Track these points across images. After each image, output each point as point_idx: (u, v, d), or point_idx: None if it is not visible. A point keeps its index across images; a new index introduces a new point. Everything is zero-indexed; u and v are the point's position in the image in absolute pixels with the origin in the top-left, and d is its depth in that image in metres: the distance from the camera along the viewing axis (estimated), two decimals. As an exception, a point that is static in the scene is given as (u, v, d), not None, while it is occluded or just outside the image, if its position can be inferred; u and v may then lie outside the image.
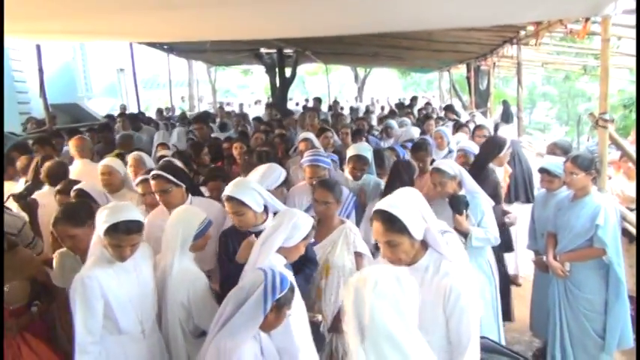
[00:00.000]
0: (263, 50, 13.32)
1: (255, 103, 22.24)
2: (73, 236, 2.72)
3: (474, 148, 4.85)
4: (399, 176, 3.93)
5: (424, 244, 2.19)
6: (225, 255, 2.95)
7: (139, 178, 3.72)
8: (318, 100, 13.29)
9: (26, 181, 4.41)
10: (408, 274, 1.72)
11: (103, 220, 2.45)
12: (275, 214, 2.92)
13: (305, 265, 2.92)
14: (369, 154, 4.29)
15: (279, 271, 2.27)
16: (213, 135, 7.54)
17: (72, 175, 4.28)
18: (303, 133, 6.20)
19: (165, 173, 3.30)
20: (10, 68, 11.77)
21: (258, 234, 2.77)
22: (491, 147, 4.52)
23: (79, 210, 2.80)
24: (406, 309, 1.63)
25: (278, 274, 2.21)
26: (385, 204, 2.11)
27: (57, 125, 8.42)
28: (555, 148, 4.63)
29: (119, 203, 2.65)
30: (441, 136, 5.91)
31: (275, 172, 3.68)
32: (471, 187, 3.65)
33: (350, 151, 4.32)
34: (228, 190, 2.90)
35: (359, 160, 4.19)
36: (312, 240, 2.89)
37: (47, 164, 4.17)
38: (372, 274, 1.67)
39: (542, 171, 3.98)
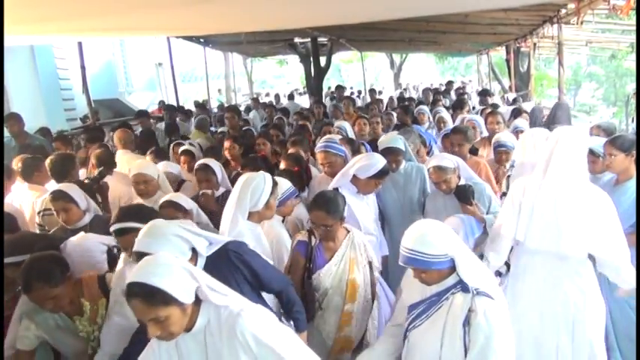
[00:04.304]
0: (297, 40, 13.31)
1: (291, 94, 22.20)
2: (54, 297, 2.38)
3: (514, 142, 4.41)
4: None
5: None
6: None
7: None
8: (340, 88, 12.94)
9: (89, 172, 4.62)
10: None
11: None
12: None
13: (291, 311, 2.58)
14: (400, 144, 3.99)
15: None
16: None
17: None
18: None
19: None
20: (54, 66, 12.22)
21: None
22: None
23: (52, 267, 2.40)
24: None
25: None
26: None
27: (100, 120, 8.72)
28: (599, 131, 4.46)
29: None
30: (474, 126, 5.49)
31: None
32: (468, 176, 3.53)
33: (380, 144, 4.07)
34: (139, 243, 2.14)
35: (391, 153, 3.89)
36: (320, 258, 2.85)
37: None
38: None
39: None
